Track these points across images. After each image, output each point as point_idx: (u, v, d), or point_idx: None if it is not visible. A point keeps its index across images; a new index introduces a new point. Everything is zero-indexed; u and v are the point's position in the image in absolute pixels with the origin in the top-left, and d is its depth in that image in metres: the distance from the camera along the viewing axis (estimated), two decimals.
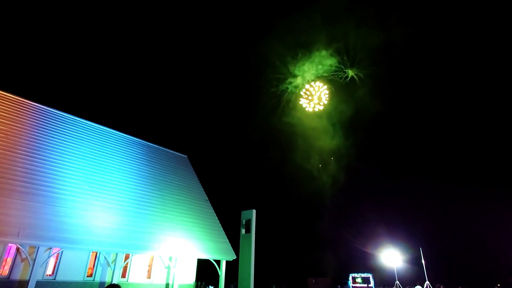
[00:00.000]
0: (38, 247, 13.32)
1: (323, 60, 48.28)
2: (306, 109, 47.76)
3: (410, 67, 51.24)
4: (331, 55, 47.68)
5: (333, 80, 49.00)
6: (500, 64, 44.98)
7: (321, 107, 47.03)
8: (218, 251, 19.24)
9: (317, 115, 50.16)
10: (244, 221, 17.53)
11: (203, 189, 24.16)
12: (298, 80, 50.92)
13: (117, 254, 16.61)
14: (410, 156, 49.07)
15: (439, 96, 50.67)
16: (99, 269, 16.37)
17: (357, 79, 48.26)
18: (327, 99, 46.89)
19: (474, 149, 45.17)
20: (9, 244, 13.67)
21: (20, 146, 15.99)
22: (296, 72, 50.40)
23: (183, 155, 26.86)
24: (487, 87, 46.79)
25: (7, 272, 13.68)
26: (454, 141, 47.28)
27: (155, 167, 22.35)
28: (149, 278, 18.30)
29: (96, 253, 16.45)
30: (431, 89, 51.25)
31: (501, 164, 42.42)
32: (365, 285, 32.12)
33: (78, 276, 15.58)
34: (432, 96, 50.88)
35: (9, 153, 15.26)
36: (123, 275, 17.30)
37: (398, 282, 25.22)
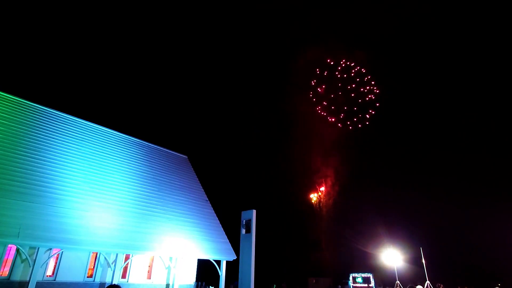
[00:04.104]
0: (38, 248, 13.31)
1: None
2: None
3: (408, 66, 51.30)
4: None
5: None
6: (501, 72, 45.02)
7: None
8: (218, 251, 19.22)
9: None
10: (244, 221, 17.52)
11: (203, 189, 24.15)
12: None
13: (117, 254, 16.61)
14: (410, 156, 49.06)
15: (439, 96, 50.69)
16: (99, 269, 16.37)
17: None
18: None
19: (474, 149, 45.16)
20: (9, 245, 13.67)
21: (20, 146, 15.98)
22: None
23: (183, 156, 26.85)
24: (483, 88, 46.82)
25: (7, 273, 13.69)
26: (454, 141, 47.27)
27: (155, 168, 22.34)
28: (149, 278, 18.29)
29: (96, 254, 16.44)
30: (430, 90, 51.27)
31: (501, 164, 42.39)
32: (366, 285, 32.06)
33: (78, 276, 15.58)
34: (431, 96, 50.90)
35: (9, 153, 15.25)
36: (123, 276, 17.30)
37: (398, 281, 25.20)
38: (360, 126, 48.60)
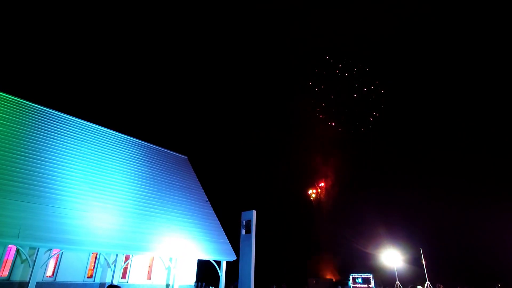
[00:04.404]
0: (38, 248, 13.31)
1: None
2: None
3: (407, 66, 51.31)
4: None
5: None
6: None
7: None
8: (218, 252, 19.22)
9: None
10: (244, 221, 17.54)
11: (203, 190, 24.15)
12: None
13: (117, 255, 16.60)
14: (410, 156, 49.05)
15: (439, 96, 50.69)
16: (99, 270, 16.37)
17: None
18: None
19: (475, 148, 45.15)
20: (9, 246, 13.66)
21: (20, 147, 15.97)
22: None
23: (183, 156, 26.85)
24: (483, 88, 46.83)
25: (7, 273, 13.68)
26: (454, 141, 47.27)
27: (155, 168, 22.34)
28: (149, 279, 18.29)
29: (96, 254, 16.44)
30: (430, 90, 51.28)
31: (501, 164, 42.38)
32: (366, 285, 32.08)
33: (78, 277, 15.57)
34: (431, 96, 50.90)
35: (9, 154, 15.25)
36: (123, 276, 17.29)
37: (398, 282, 25.20)
38: (362, 130, 48.19)
